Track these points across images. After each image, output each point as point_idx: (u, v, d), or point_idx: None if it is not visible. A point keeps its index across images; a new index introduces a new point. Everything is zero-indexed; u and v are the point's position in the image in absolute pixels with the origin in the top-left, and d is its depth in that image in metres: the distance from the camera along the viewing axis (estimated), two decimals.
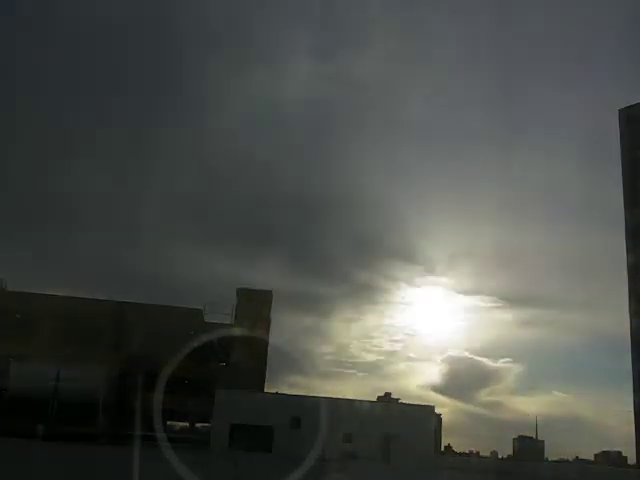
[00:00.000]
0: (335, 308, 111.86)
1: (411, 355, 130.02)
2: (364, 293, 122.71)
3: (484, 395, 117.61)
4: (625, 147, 73.76)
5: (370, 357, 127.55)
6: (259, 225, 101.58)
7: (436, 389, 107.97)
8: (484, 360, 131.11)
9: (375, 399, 67.22)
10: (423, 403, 63.17)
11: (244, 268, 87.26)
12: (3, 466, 24.15)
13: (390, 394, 72.95)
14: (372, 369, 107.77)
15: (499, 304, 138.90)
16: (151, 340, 55.95)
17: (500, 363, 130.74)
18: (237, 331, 57.91)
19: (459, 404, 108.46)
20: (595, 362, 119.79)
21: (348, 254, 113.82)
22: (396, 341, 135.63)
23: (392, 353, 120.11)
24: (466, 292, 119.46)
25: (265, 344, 62.14)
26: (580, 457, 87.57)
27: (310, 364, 63.28)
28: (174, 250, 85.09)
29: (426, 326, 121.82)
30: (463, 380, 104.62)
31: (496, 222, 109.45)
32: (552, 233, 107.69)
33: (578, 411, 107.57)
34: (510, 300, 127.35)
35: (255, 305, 64.65)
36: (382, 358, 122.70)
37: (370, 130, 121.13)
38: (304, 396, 54.44)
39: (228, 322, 62.22)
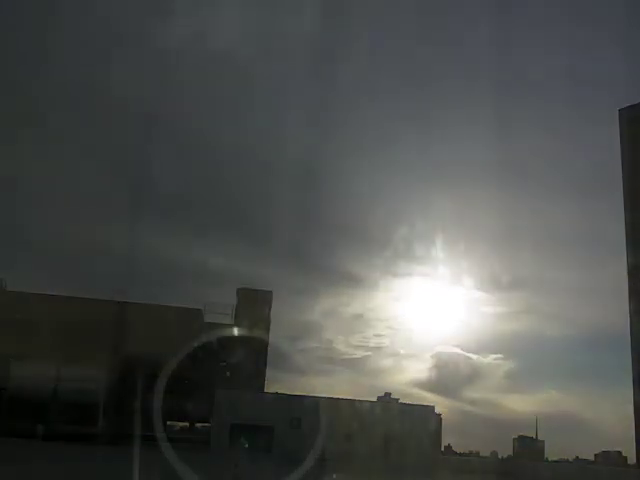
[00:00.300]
0: (317, 301, 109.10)
1: (398, 351, 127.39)
2: (348, 285, 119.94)
3: (475, 393, 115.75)
4: (625, 147, 73.76)
5: (355, 353, 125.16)
6: (238, 215, 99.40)
7: (424, 386, 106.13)
8: (474, 356, 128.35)
9: (372, 399, 67.08)
10: (419, 402, 63.34)
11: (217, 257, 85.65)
12: (3, 466, 24.14)
13: (390, 394, 72.80)
14: (357, 365, 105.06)
15: (490, 297, 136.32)
16: (151, 340, 55.99)
17: (491, 359, 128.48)
18: (237, 331, 57.93)
19: (449, 402, 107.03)
20: (592, 360, 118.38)
21: (330, 244, 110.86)
22: (382, 336, 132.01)
23: (378, 349, 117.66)
24: (456, 284, 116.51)
25: (265, 344, 62.14)
26: (580, 457, 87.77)
27: (292, 360, 63.04)
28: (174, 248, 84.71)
29: (414, 320, 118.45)
30: (452, 377, 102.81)
31: (489, 215, 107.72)
32: (550, 231, 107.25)
33: (576, 410, 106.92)
34: (502, 293, 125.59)
35: (255, 305, 64.79)
36: (369, 354, 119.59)
37: (342, 103, 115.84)
38: (304, 396, 54.45)
39: (228, 322, 62.31)
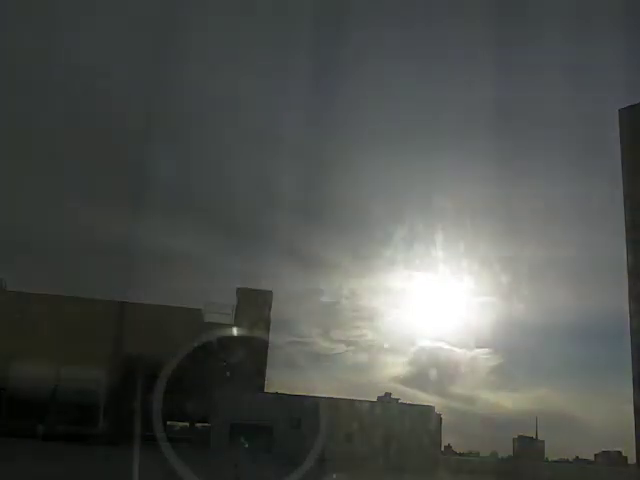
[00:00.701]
0: (297, 292, 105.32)
1: (380, 345, 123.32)
2: (326, 275, 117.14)
3: (464, 390, 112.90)
4: (625, 147, 73.71)
5: (336, 348, 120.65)
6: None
7: (407, 382, 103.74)
8: (461, 350, 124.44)
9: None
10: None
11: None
12: (3, 466, 24.15)
13: (390, 394, 72.75)
14: (340, 361, 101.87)
15: (480, 288, 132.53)
16: (151, 340, 56.02)
17: (479, 353, 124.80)
18: (237, 331, 57.96)
19: (435, 399, 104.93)
20: (591, 357, 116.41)
21: (309, 231, 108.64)
22: (365, 329, 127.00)
23: (361, 343, 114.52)
24: (443, 275, 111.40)
25: (265, 344, 62.21)
26: (580, 457, 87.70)
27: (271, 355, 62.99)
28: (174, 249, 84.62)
29: (398, 313, 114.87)
30: (439, 373, 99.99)
31: (483, 209, 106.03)
32: (548, 228, 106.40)
33: (575, 409, 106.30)
34: (494, 287, 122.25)
35: (255, 305, 64.82)
36: (352, 348, 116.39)
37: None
38: (304, 396, 54.39)
39: (228, 322, 62.33)
